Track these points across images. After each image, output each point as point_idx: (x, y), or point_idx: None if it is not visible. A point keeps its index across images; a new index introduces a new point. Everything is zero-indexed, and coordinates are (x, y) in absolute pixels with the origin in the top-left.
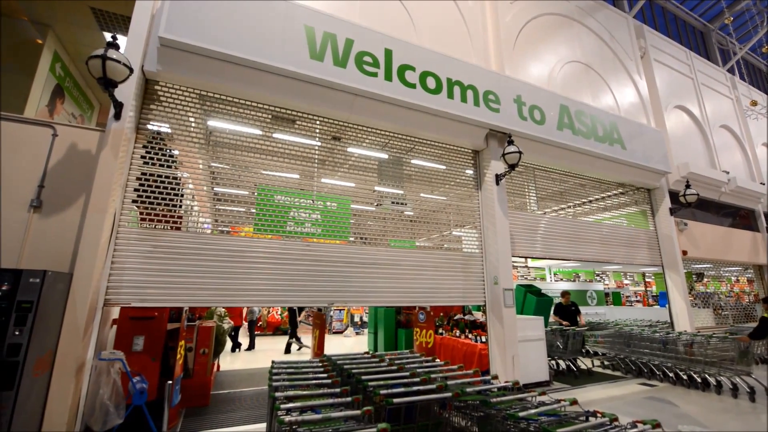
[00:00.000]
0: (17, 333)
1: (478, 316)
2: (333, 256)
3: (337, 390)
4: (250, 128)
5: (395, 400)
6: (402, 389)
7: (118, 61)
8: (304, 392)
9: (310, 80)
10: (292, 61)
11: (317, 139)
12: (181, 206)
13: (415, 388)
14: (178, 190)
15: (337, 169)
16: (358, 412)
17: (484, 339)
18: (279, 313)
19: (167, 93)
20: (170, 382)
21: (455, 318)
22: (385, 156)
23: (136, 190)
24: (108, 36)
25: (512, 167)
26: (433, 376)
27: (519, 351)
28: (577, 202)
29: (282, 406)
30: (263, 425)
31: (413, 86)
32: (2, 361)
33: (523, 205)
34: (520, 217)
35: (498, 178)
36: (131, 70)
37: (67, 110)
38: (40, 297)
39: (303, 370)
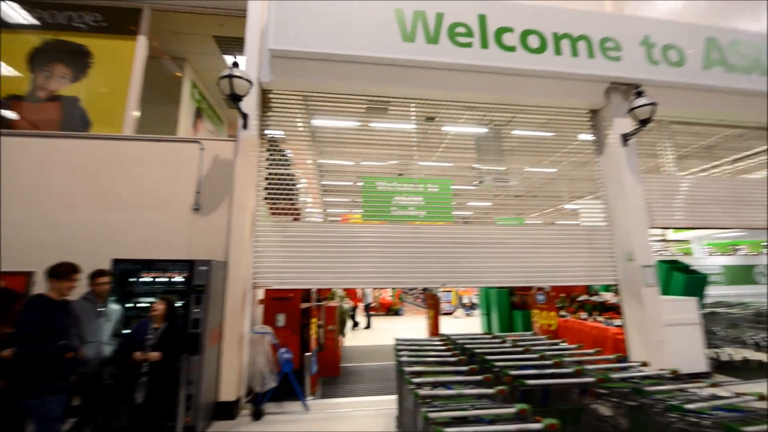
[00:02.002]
0: (196, 310)
1: (607, 296)
2: (440, 237)
3: (465, 368)
4: (347, 121)
5: (529, 382)
6: (534, 371)
7: (241, 77)
8: (431, 369)
9: (404, 63)
10: (384, 47)
11: (413, 121)
12: (298, 200)
13: (550, 371)
14: (295, 185)
15: (434, 151)
16: (491, 390)
17: (618, 322)
18: (390, 294)
19: (278, 100)
20: (308, 353)
21: (579, 299)
22: (483, 131)
23: (266, 188)
24: (229, 58)
25: (644, 123)
26: (566, 359)
27: (666, 337)
28: (736, 156)
29: (413, 380)
30: (388, 397)
31: (512, 49)
32: (191, 332)
33: (657, 167)
34: (656, 181)
35: (625, 138)
36: (251, 83)
37: (206, 127)
38: (209, 282)
39: (425, 347)
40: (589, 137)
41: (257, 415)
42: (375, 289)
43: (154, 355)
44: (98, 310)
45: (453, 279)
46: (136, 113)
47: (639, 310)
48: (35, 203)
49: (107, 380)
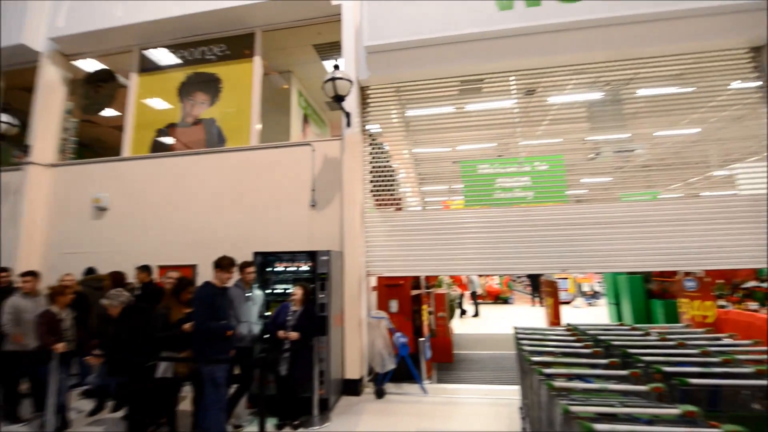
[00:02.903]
0: (321, 295)
1: None
2: (555, 219)
3: (603, 361)
4: (441, 108)
5: (693, 381)
6: (697, 369)
7: (342, 78)
8: (560, 360)
9: (500, 34)
10: (479, 22)
11: (512, 96)
12: (398, 191)
13: (719, 369)
14: (395, 177)
15: (537, 127)
16: (643, 387)
17: None
18: (497, 282)
19: (375, 95)
20: (422, 339)
21: (745, 286)
22: (596, 96)
23: (371, 181)
24: (328, 64)
25: None
26: (739, 357)
27: None
28: None
29: (544, 371)
30: (504, 386)
31: None
32: (320, 315)
33: None
34: None
35: None
36: (351, 82)
37: (312, 131)
38: (330, 270)
39: (549, 337)
40: (750, 84)
41: (379, 393)
42: (481, 276)
43: (294, 334)
44: (247, 295)
45: (574, 264)
46: (259, 126)
47: None
48: (192, 209)
49: (257, 355)
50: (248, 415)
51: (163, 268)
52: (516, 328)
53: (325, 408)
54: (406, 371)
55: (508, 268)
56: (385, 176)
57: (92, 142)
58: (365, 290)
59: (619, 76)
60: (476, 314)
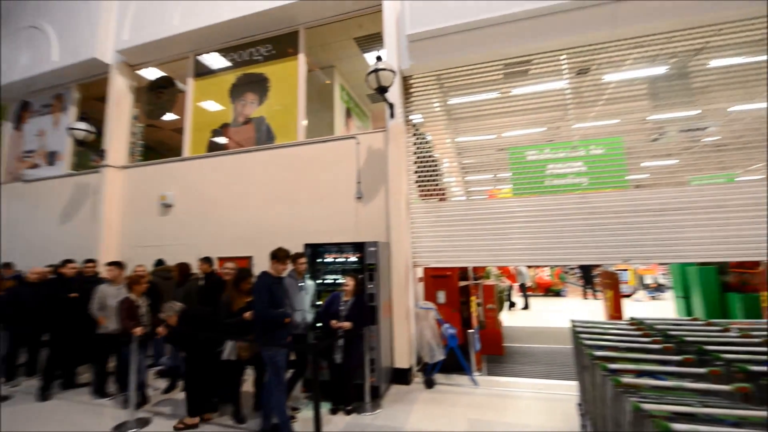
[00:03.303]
0: (370, 286)
1: None
2: (614, 205)
3: (676, 358)
4: (485, 94)
5: None
6: None
7: (385, 69)
8: (625, 355)
9: (553, 10)
10: None
11: (563, 76)
12: (442, 181)
13: None
14: (438, 167)
15: (591, 109)
16: (725, 387)
17: None
18: (548, 273)
19: (418, 84)
20: (471, 330)
21: None
22: (659, 71)
23: (416, 172)
24: (370, 56)
25: None
26: None
27: None
28: None
29: (609, 366)
30: (558, 381)
31: None
32: (370, 305)
33: None
34: None
35: None
36: (394, 73)
37: (354, 124)
38: (378, 261)
39: (611, 331)
40: None
41: (429, 383)
42: (531, 267)
43: (346, 324)
44: (299, 285)
45: (638, 254)
46: (305, 122)
47: None
48: (246, 204)
49: (311, 341)
50: (304, 398)
51: (222, 260)
52: (574, 321)
53: (377, 395)
54: (455, 362)
55: (560, 258)
56: (429, 167)
57: (156, 145)
58: (412, 281)
59: (687, 46)
60: (526, 307)
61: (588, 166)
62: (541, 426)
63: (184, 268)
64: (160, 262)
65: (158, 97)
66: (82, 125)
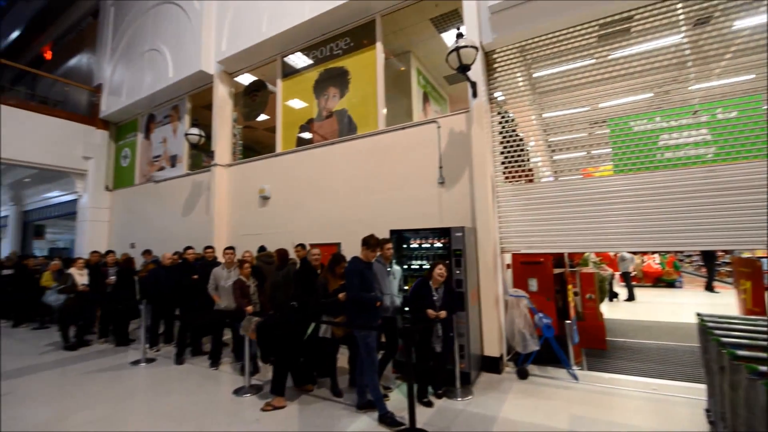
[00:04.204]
0: (457, 272)
1: None
2: (751, 179)
3: None
4: (576, 62)
5: None
6: None
7: (466, 46)
8: None
9: None
10: None
11: (678, 31)
12: (528, 161)
13: None
14: (524, 147)
15: (715, 65)
16: None
17: None
18: (658, 261)
19: (501, 58)
20: (568, 321)
21: None
22: None
23: (502, 152)
24: (447, 36)
25: None
26: None
27: None
28: None
29: (761, 368)
30: (673, 382)
31: None
32: (457, 291)
33: None
34: None
35: None
36: (477, 49)
37: (432, 109)
38: (464, 246)
39: (754, 328)
40: None
41: (522, 374)
42: (637, 254)
43: (443, 313)
44: (387, 270)
45: None
46: (384, 110)
47: None
48: (333, 193)
49: (401, 326)
50: (395, 379)
51: (313, 246)
52: (702, 315)
53: (467, 382)
54: (550, 354)
55: (676, 243)
56: (515, 146)
57: (252, 144)
58: (500, 267)
59: None
60: (630, 298)
61: (714, 134)
62: (657, 427)
63: (283, 253)
64: (262, 248)
65: (253, 99)
66: (195, 131)
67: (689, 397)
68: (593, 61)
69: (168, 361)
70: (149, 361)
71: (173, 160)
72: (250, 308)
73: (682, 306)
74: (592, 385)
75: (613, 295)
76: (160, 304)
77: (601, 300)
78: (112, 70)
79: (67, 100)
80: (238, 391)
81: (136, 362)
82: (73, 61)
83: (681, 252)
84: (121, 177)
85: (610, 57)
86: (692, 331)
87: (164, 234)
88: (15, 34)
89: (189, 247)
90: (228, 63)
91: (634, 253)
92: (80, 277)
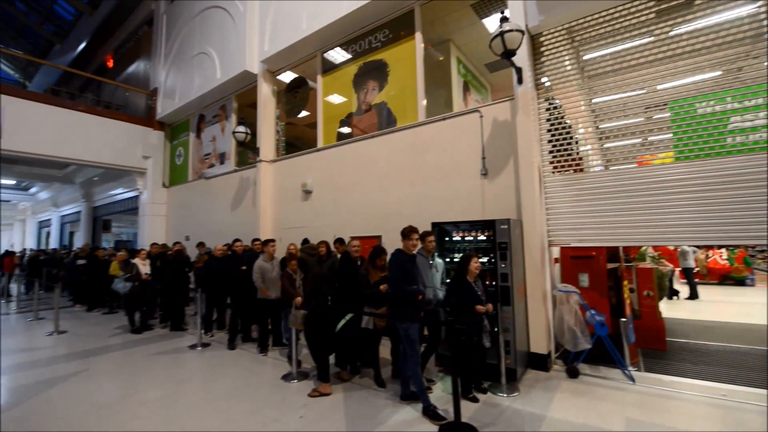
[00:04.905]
0: (503, 265)
1: None
2: None
3: None
4: (629, 41)
5: None
6: None
7: (511, 30)
8: None
9: None
10: None
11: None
12: (578, 150)
13: None
14: (573, 134)
15: None
16: None
17: None
18: (725, 257)
19: (547, 43)
20: (623, 319)
21: None
22: None
23: (549, 141)
24: (489, 22)
25: None
26: None
27: None
28: None
29: None
30: (753, 390)
31: None
32: (502, 285)
33: None
34: None
35: None
36: (523, 33)
37: (472, 98)
38: (510, 239)
39: None
40: None
41: (572, 372)
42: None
43: (491, 306)
44: (430, 263)
45: None
46: (424, 101)
47: None
48: (373, 187)
49: (443, 321)
50: (438, 372)
51: (353, 238)
52: None
53: (513, 378)
54: (603, 353)
55: (749, 236)
56: (563, 134)
57: (293, 140)
58: (548, 261)
59: None
60: (693, 296)
61: None
62: None
63: (326, 246)
64: (305, 241)
65: (294, 96)
66: (241, 129)
67: (761, 405)
68: (651, 39)
69: (221, 346)
70: (204, 345)
71: (222, 158)
72: (299, 299)
73: (754, 306)
74: (650, 388)
75: (673, 293)
76: (213, 293)
77: (660, 297)
78: (165, 75)
79: (128, 104)
80: (285, 377)
81: (192, 346)
82: (131, 68)
83: (753, 247)
84: (176, 174)
85: (671, 33)
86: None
87: (215, 227)
88: (81, 46)
89: (237, 240)
90: (270, 62)
91: (699, 247)
92: (143, 266)
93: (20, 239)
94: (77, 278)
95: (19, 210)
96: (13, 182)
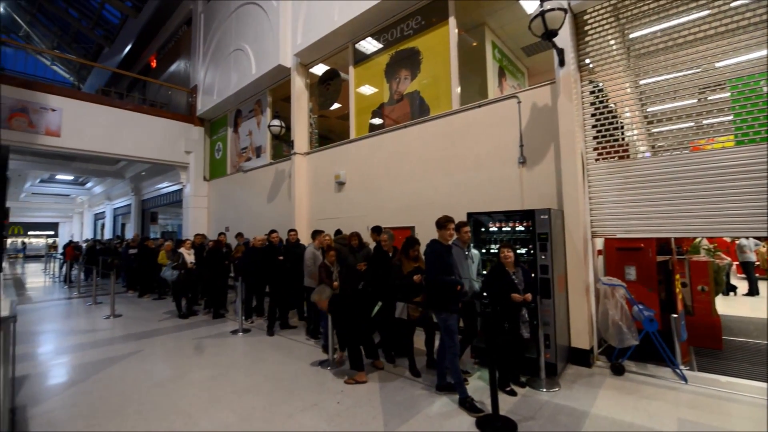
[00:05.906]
0: (543, 257)
1: None
2: None
3: None
4: (684, 16)
5: None
6: None
7: (553, 9)
8: None
9: None
10: None
11: None
12: (624, 136)
13: None
14: (619, 119)
15: None
16: None
17: None
18: None
19: (591, 21)
20: (675, 315)
21: None
22: None
23: (593, 126)
24: (524, 2)
25: None
26: None
27: None
28: None
29: None
30: None
31: None
32: (542, 277)
33: None
34: None
35: None
36: (565, 11)
37: (508, 84)
38: (551, 230)
39: None
40: None
41: (617, 369)
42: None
43: (529, 296)
44: (465, 254)
45: None
46: (458, 89)
47: None
48: (406, 177)
49: (482, 312)
50: (474, 364)
51: (383, 232)
52: None
53: (553, 373)
54: (651, 350)
55: None
56: (609, 119)
57: (326, 133)
58: (591, 253)
59: None
60: (752, 292)
61: None
62: None
63: (359, 237)
64: (338, 232)
65: (326, 89)
66: (276, 122)
67: None
68: (707, 12)
69: (260, 332)
70: (245, 331)
71: (258, 151)
72: (336, 283)
73: None
74: (704, 388)
75: (730, 288)
76: (252, 282)
77: (717, 293)
78: (204, 72)
79: (171, 102)
80: (322, 364)
81: (234, 332)
82: (173, 67)
83: None
84: (216, 168)
85: (733, 4)
86: None
87: (253, 218)
88: (127, 48)
89: (273, 231)
90: (303, 55)
91: (759, 239)
92: (188, 256)
93: (78, 230)
94: (129, 266)
95: (77, 203)
96: (71, 178)
